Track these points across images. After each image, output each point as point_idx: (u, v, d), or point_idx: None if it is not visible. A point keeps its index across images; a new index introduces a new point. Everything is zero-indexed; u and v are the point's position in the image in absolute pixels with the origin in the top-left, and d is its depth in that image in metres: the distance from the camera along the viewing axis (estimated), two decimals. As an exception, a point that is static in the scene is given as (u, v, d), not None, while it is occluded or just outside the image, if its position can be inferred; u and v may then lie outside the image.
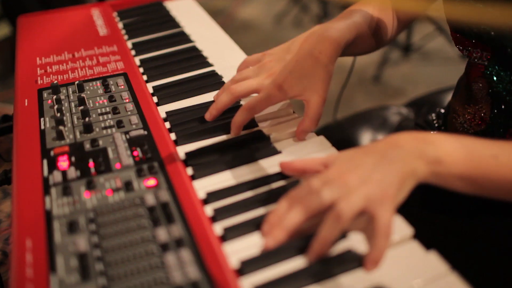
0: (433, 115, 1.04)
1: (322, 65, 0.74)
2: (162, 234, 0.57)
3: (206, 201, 0.64)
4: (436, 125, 1.00)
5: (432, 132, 0.60)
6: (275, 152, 0.73)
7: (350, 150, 0.62)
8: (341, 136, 1.12)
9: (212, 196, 0.65)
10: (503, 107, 0.76)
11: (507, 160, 0.58)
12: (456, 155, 0.58)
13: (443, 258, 0.55)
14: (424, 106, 1.30)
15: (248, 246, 0.58)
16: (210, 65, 0.99)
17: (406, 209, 0.67)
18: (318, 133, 0.77)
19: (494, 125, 0.78)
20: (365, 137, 1.21)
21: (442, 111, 1.01)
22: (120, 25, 1.19)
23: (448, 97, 1.25)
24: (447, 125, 0.93)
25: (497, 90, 0.75)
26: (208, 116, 0.80)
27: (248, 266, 0.54)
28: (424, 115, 1.25)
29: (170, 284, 0.52)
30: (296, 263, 0.55)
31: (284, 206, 0.58)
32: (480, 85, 0.79)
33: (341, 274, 0.54)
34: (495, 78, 0.74)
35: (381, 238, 0.53)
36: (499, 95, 0.75)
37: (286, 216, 0.57)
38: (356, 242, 0.57)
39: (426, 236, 0.60)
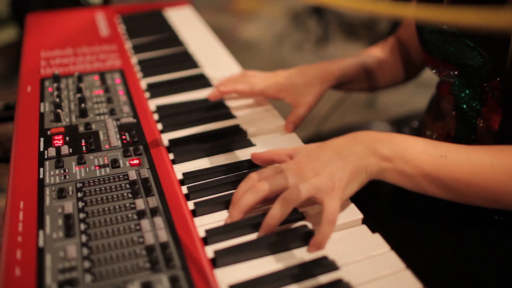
0: (407, 129, 1.13)
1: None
2: (140, 203, 0.65)
3: (183, 182, 0.72)
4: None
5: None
6: (250, 144, 0.81)
7: (314, 144, 0.69)
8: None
9: (189, 178, 0.72)
10: (466, 123, 0.82)
11: (456, 159, 0.65)
12: (406, 153, 0.65)
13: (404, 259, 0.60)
14: (402, 122, 1.39)
15: (216, 220, 0.65)
16: (199, 67, 1.08)
17: (379, 217, 0.72)
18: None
19: (459, 139, 0.84)
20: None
21: (415, 124, 1.09)
22: (122, 27, 1.28)
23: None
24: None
25: (461, 107, 0.82)
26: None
27: (212, 235, 0.62)
28: (401, 129, 1.34)
29: (143, 243, 0.59)
30: (252, 236, 0.63)
31: (243, 188, 0.66)
32: (447, 101, 0.86)
33: (294, 247, 0.61)
34: (462, 95, 0.81)
35: (325, 224, 0.59)
36: (463, 111, 0.81)
37: (242, 198, 0.64)
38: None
39: (396, 241, 0.65)
